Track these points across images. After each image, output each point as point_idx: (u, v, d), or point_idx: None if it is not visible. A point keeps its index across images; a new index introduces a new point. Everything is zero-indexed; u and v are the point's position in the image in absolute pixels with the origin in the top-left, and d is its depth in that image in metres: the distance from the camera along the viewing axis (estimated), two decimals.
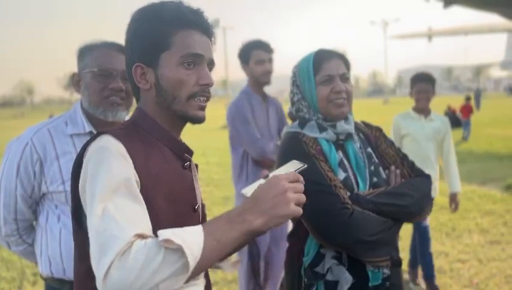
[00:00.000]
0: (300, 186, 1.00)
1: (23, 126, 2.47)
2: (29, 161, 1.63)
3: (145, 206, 0.97)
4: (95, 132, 1.68)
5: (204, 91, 1.12)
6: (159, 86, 1.10)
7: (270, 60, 3.08)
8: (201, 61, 1.12)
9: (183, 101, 1.10)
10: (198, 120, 1.14)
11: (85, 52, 1.68)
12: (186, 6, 1.11)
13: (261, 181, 1.22)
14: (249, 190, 1.19)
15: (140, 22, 1.10)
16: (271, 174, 1.23)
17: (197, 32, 1.11)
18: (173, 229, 0.88)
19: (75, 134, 1.68)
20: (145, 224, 0.93)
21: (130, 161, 1.00)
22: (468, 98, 16.10)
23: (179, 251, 0.85)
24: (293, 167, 1.26)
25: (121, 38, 1.66)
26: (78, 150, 1.65)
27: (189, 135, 1.18)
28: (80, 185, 1.01)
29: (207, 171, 8.99)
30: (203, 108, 1.14)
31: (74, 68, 1.73)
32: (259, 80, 3.06)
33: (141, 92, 1.14)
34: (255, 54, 3.04)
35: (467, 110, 15.27)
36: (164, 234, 0.86)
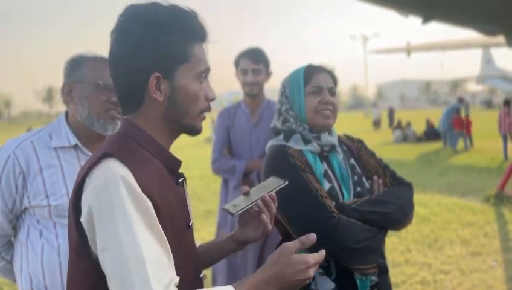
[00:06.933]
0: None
1: (2, 140, 2.41)
2: (11, 174, 1.58)
3: (165, 239, 0.98)
4: (80, 145, 1.66)
5: (209, 106, 1.15)
6: (173, 99, 1.07)
7: (256, 71, 2.95)
8: (208, 76, 1.14)
9: (195, 115, 1.11)
10: (200, 132, 1.15)
11: (81, 63, 1.65)
12: (201, 18, 1.10)
13: (241, 198, 1.21)
14: (230, 207, 1.18)
15: (159, 31, 1.03)
16: (251, 191, 1.22)
17: (205, 46, 1.12)
18: None
19: (59, 147, 1.64)
20: (172, 264, 0.98)
21: (139, 188, 0.96)
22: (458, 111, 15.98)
23: None
24: (273, 184, 1.25)
25: (98, 50, 1.66)
26: (63, 163, 1.64)
27: (171, 147, 1.17)
28: (85, 214, 0.97)
29: (189, 185, 8.81)
30: (203, 120, 1.16)
31: (52, 81, 1.71)
32: (243, 90, 3.04)
33: (147, 103, 1.07)
34: (241, 63, 2.99)
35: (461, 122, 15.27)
36: None
